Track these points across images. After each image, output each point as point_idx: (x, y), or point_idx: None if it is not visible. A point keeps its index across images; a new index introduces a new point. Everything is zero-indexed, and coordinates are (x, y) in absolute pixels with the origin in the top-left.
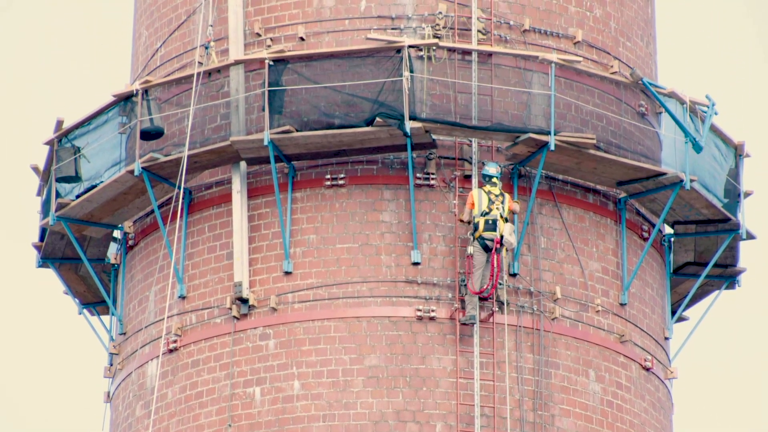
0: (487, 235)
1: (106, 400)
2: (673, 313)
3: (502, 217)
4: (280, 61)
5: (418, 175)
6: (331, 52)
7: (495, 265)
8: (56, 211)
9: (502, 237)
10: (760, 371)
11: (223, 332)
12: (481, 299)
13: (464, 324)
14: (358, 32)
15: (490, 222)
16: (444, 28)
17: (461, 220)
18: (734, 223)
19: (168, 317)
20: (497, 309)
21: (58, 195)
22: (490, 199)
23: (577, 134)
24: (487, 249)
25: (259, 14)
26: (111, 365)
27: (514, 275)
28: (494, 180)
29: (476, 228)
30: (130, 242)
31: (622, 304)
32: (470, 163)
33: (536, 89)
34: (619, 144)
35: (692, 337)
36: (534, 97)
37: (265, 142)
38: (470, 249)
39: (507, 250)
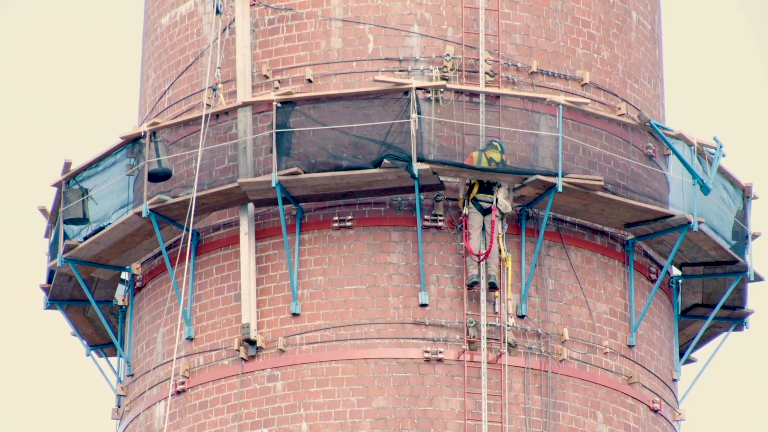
0: (481, 197)
1: None
2: (681, 354)
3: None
4: (287, 103)
5: (425, 216)
6: (338, 93)
7: (490, 231)
8: (64, 252)
9: (496, 200)
10: None
11: (230, 374)
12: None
13: (469, 286)
14: (365, 74)
15: (485, 184)
16: (452, 70)
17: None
18: (742, 265)
19: (176, 359)
20: (505, 351)
21: (65, 237)
22: (488, 160)
23: (584, 176)
24: (482, 211)
25: (266, 56)
26: (119, 407)
27: (522, 317)
28: (494, 143)
29: (471, 189)
30: (138, 284)
31: (630, 346)
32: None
33: (544, 131)
34: (627, 186)
35: (700, 378)
36: (542, 138)
37: (273, 184)
38: (465, 210)
39: (501, 218)
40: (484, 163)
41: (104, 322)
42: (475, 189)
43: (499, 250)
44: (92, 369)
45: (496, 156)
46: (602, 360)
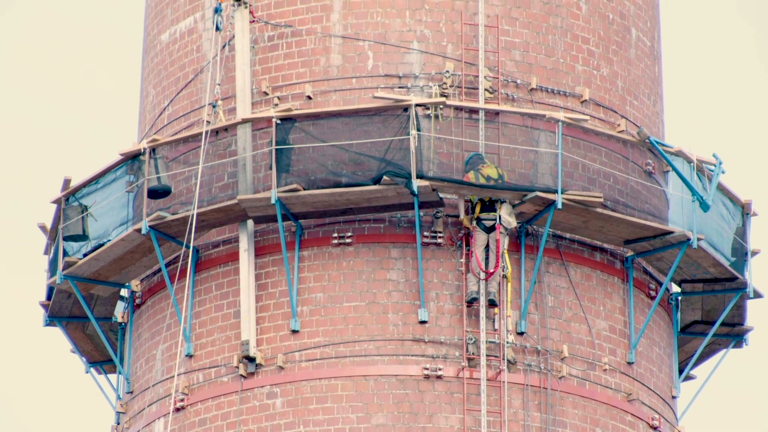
0: (485, 216)
1: None
2: (681, 371)
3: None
4: (287, 120)
5: (425, 233)
6: (338, 110)
7: (496, 246)
8: (63, 269)
9: (499, 217)
10: None
11: (230, 391)
12: (490, 303)
13: (468, 303)
14: (365, 91)
15: (487, 202)
16: (451, 86)
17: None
18: (741, 282)
19: (176, 375)
20: (505, 368)
21: (65, 253)
22: (486, 178)
23: (584, 193)
24: (486, 230)
25: (266, 73)
26: (118, 424)
27: (521, 333)
28: (485, 160)
29: (473, 208)
30: (137, 301)
31: (630, 363)
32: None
33: (543, 147)
34: (626, 202)
35: (700, 395)
36: (541, 155)
37: (273, 201)
38: (470, 225)
39: (507, 234)
40: (481, 181)
41: (104, 339)
42: (478, 208)
43: (503, 267)
44: (92, 386)
45: (493, 172)
46: (602, 377)
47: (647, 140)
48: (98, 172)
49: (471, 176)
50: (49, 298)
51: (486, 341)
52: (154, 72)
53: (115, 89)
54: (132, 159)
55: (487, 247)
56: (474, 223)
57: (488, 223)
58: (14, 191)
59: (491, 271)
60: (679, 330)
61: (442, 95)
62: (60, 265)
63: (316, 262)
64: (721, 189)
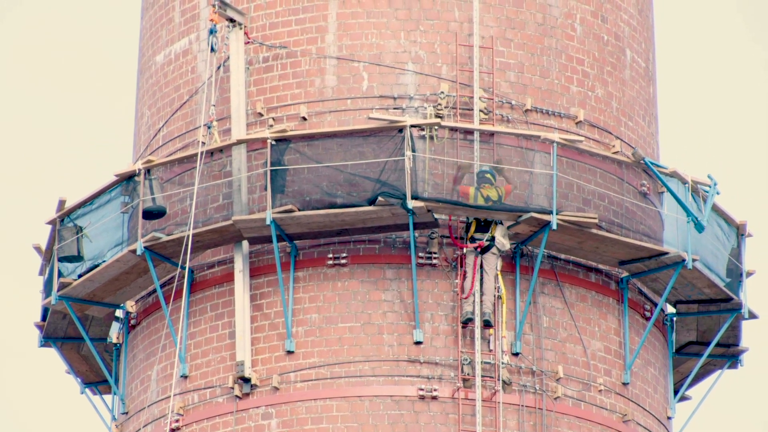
0: (478, 236)
1: None
2: (676, 392)
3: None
4: (282, 141)
5: (420, 254)
6: (333, 131)
7: (474, 268)
8: (58, 290)
9: (493, 238)
10: None
11: (225, 411)
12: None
13: (463, 324)
14: (360, 112)
15: (482, 222)
16: (446, 107)
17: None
18: (736, 303)
19: (172, 396)
20: (500, 388)
21: (60, 274)
22: (485, 198)
23: (579, 214)
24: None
25: (261, 94)
26: None
27: (516, 354)
28: (488, 176)
29: (468, 227)
30: (132, 321)
31: (625, 384)
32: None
33: (538, 169)
34: (621, 223)
35: (695, 416)
36: (536, 176)
37: (267, 222)
38: (465, 249)
39: (500, 256)
40: (480, 201)
41: (99, 359)
42: (473, 227)
43: (497, 288)
44: (87, 407)
45: (493, 194)
46: (597, 398)
47: (642, 161)
48: (93, 193)
49: (470, 192)
50: (44, 318)
51: (481, 362)
52: (149, 93)
53: (110, 110)
54: (127, 180)
55: (482, 267)
56: (468, 242)
57: (482, 243)
58: (9, 212)
59: (467, 294)
60: (674, 351)
61: (437, 116)
62: (55, 286)
63: (311, 282)
64: (716, 210)
